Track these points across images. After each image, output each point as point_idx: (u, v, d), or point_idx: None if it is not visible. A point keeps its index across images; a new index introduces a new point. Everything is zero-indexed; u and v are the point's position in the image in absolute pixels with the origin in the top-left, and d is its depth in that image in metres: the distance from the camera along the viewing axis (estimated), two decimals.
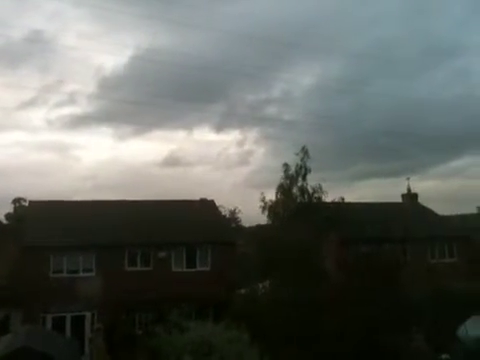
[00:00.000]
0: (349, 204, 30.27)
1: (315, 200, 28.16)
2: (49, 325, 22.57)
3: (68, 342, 19.75)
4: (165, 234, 26.36)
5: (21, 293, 23.89)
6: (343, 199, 29.48)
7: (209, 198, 31.99)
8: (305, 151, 28.14)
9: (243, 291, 26.13)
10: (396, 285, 19.97)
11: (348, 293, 19.06)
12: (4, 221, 55.95)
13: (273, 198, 28.74)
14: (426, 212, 33.82)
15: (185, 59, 55.68)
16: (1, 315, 26.69)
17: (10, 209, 54.86)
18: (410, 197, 34.74)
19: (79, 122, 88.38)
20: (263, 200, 28.19)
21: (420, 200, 35.26)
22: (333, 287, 20.29)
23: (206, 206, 30.70)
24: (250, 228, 42.44)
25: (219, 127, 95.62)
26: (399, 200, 35.29)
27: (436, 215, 33.91)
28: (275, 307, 18.97)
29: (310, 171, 28.27)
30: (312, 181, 28.41)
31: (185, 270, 26.21)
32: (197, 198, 32.14)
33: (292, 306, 18.42)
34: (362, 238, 27.36)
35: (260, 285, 26.32)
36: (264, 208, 28.20)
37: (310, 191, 27.90)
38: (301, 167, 28.17)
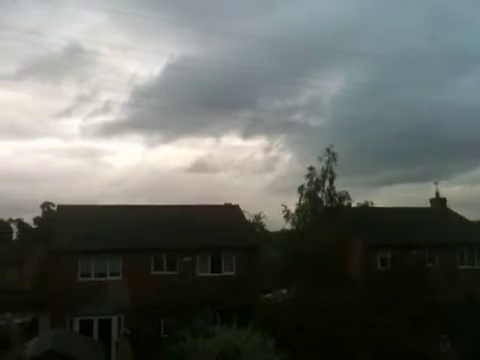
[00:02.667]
0: (376, 209, 29.91)
1: (341, 205, 27.85)
2: (76, 328, 22.83)
3: (95, 345, 19.99)
4: (190, 239, 26.48)
5: (49, 296, 24.35)
6: (371, 203, 29.10)
7: (234, 203, 32.05)
8: (332, 153, 27.75)
9: (268, 296, 26.06)
10: (423, 291, 19.64)
11: (374, 298, 18.82)
12: (33, 225, 57.23)
13: (298, 202, 28.52)
14: (455, 217, 33.08)
15: (214, 66, 56.49)
16: (30, 318, 27.27)
17: (39, 213, 56.13)
18: (439, 202, 33.91)
19: (111, 130, 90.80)
20: (285, 209, 28.04)
21: (448, 205, 34.51)
22: (359, 292, 20.06)
23: (231, 211, 30.74)
24: (275, 233, 42.31)
25: (246, 133, 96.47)
26: (427, 205, 34.63)
27: (465, 220, 33.15)
28: (300, 312, 18.86)
29: (336, 176, 27.96)
30: (339, 186, 28.13)
31: (210, 274, 26.26)
32: (222, 203, 32.24)
33: (317, 311, 18.28)
34: (389, 243, 26.99)
35: (285, 290, 26.21)
36: (287, 216, 28.02)
37: (337, 196, 27.59)
38: (327, 171, 27.86)
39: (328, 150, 27.79)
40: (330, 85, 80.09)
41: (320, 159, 27.82)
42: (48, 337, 17.19)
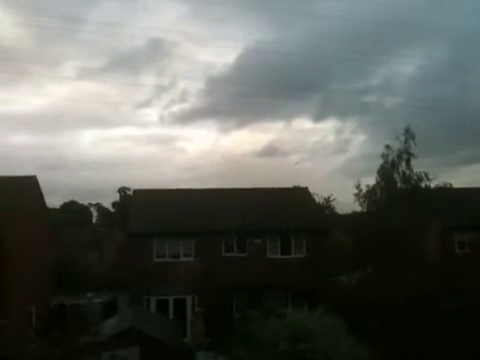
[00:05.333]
0: (453, 190, 28.63)
1: (418, 186, 26.72)
2: (153, 307, 23.82)
3: (171, 324, 20.76)
4: (260, 221, 26.68)
5: (127, 277, 25.55)
6: (449, 184, 27.79)
7: (304, 186, 31.88)
8: (410, 134, 26.53)
9: (340, 278, 25.79)
10: None
11: (451, 283, 18.10)
12: (111, 209, 60.08)
13: (370, 184, 27.75)
14: None
15: (287, 49, 56.19)
16: (109, 297, 28.77)
17: (117, 198, 58.81)
18: None
19: (187, 117, 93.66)
20: (358, 187, 27.32)
21: None
22: (434, 276, 19.37)
23: (300, 194, 30.58)
24: (345, 216, 41.61)
25: (318, 116, 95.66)
26: None
27: None
28: (372, 296, 18.51)
29: (413, 156, 26.79)
30: (415, 167, 26.96)
31: (280, 257, 26.38)
32: (292, 186, 32.16)
33: (390, 295, 17.86)
34: (467, 225, 25.80)
35: (356, 273, 25.81)
36: (358, 196, 27.31)
37: (414, 177, 26.48)
38: (404, 151, 26.74)
39: (407, 130, 26.56)
40: (406, 64, 76.99)
41: (397, 139, 26.71)
42: (127, 316, 18.04)
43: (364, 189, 27.54)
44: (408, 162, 26.82)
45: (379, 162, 27.26)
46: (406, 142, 26.53)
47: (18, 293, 20.27)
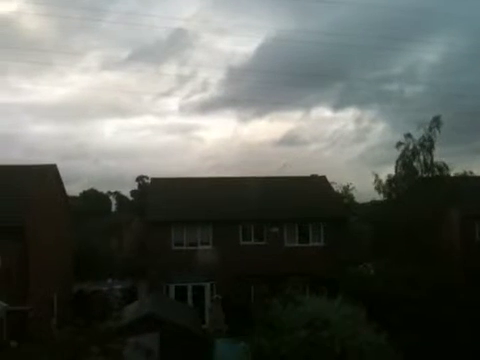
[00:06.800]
0: (475, 177, 28.21)
1: (439, 175, 26.29)
2: (172, 294, 24.10)
3: (190, 310, 20.99)
4: (277, 210, 26.68)
5: (146, 264, 25.85)
6: (470, 172, 27.33)
7: (322, 175, 31.75)
8: (438, 122, 26.04)
9: (358, 267, 25.67)
10: None
11: (473, 272, 17.86)
12: (130, 197, 60.68)
13: (390, 174, 27.42)
14: None
15: (307, 38, 55.49)
16: (129, 284, 29.17)
17: (135, 187, 59.38)
18: None
19: (207, 107, 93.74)
20: (376, 178, 27.04)
21: None
22: (456, 267, 19.12)
23: (318, 182, 30.47)
24: (364, 204, 41.37)
25: (337, 105, 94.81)
26: None
27: None
28: (391, 286, 18.39)
29: (436, 144, 26.33)
30: (436, 156, 26.53)
31: (297, 245, 26.40)
32: (310, 175, 32.05)
33: (410, 286, 17.71)
34: None
35: (375, 262, 25.65)
36: (378, 187, 27.01)
37: (435, 166, 26.07)
38: (426, 139, 26.30)
39: (436, 119, 25.96)
40: (428, 51, 75.51)
41: (420, 128, 26.23)
42: (147, 302, 18.26)
43: (384, 179, 27.22)
44: (430, 151, 26.38)
45: (399, 151, 26.85)
46: (430, 130, 26.01)
47: (40, 280, 20.65)
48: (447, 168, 25.82)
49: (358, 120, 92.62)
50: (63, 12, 64.79)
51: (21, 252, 19.40)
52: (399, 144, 26.23)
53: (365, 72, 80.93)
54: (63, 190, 26.76)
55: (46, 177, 23.74)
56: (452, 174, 26.44)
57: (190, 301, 24.03)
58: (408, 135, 26.18)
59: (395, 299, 17.26)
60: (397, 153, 26.53)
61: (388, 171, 27.80)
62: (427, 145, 25.78)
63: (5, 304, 17.86)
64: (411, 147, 26.10)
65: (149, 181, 41.85)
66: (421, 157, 25.97)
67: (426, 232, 22.05)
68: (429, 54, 77.80)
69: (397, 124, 75.63)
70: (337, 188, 33.36)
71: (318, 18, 78.61)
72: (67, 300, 25.51)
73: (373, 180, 27.06)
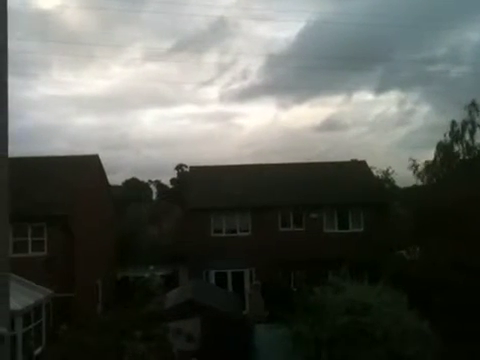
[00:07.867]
0: None
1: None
2: (212, 280, 24.41)
3: (230, 296, 21.20)
4: (316, 196, 26.50)
5: (186, 251, 26.27)
6: None
7: (362, 159, 31.23)
8: (476, 106, 25.35)
9: (400, 253, 25.24)
10: None
11: None
12: (170, 186, 61.51)
13: (428, 160, 26.79)
14: None
15: (349, 21, 54.39)
16: (170, 271, 29.73)
17: (175, 175, 60.09)
18: None
19: (247, 94, 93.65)
20: (414, 164, 26.45)
21: None
22: None
23: (357, 167, 30.02)
24: (405, 189, 40.43)
25: (379, 88, 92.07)
26: None
27: None
28: (433, 272, 18.00)
29: (479, 127, 25.57)
30: (478, 139, 25.72)
31: (337, 231, 26.18)
32: (350, 160, 31.61)
33: (452, 272, 17.29)
34: None
35: (417, 248, 25.16)
36: (415, 172, 26.43)
37: (477, 148, 25.30)
38: (468, 122, 25.60)
39: (473, 103, 25.31)
40: (473, 30, 72.56)
41: (464, 109, 25.57)
42: (188, 288, 18.58)
43: (422, 165, 26.62)
44: (472, 133, 25.65)
45: (443, 134, 26.23)
46: (470, 114, 25.32)
47: (85, 267, 21.33)
48: None
49: (401, 103, 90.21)
50: (104, 4, 65.75)
51: (66, 240, 20.06)
52: (451, 128, 25.59)
53: (408, 53, 78.64)
54: (106, 179, 27.43)
55: (90, 167, 24.39)
56: None
57: (230, 287, 24.27)
58: (453, 122, 25.65)
59: (438, 283, 16.91)
60: (441, 137, 25.95)
61: (430, 155, 27.10)
62: (470, 127, 25.10)
63: (51, 291, 18.60)
64: (454, 130, 25.46)
65: (188, 169, 42.30)
66: (465, 138, 25.28)
67: (470, 215, 21.40)
68: (475, 32, 74.84)
69: (442, 106, 73.31)
70: (377, 173, 32.70)
71: (359, 1, 76.82)
72: (111, 286, 26.27)
73: (410, 164, 26.51)
